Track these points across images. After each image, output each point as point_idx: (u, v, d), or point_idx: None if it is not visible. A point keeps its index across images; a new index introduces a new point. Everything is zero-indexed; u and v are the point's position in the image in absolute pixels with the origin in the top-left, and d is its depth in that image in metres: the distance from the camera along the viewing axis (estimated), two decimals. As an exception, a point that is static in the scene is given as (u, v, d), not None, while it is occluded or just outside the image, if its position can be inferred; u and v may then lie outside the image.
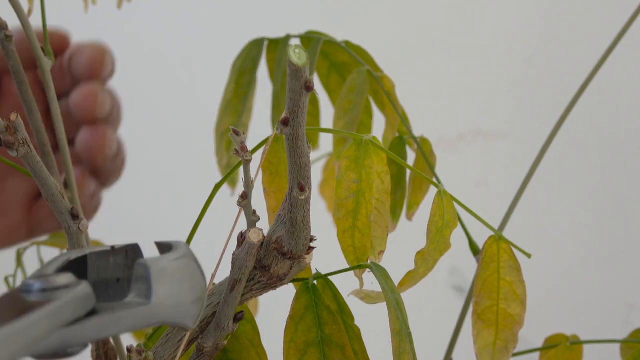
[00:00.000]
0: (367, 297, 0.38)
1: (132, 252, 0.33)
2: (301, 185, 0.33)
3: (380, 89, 0.50)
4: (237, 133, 0.33)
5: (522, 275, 0.44)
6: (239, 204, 0.35)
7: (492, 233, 0.47)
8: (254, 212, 0.35)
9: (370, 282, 0.38)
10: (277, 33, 0.56)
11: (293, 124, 0.30)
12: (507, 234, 1.65)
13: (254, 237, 0.35)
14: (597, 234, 1.47)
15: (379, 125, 0.53)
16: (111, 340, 0.43)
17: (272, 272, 0.37)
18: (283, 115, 0.30)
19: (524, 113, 1.47)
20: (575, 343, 0.51)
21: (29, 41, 0.39)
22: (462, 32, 1.51)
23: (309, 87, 0.29)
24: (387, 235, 0.38)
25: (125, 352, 0.40)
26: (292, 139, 0.31)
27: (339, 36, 0.56)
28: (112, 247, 0.33)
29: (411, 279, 0.38)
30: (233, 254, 0.37)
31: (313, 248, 0.37)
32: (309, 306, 0.36)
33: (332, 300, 0.37)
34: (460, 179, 1.50)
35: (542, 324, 0.55)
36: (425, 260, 0.38)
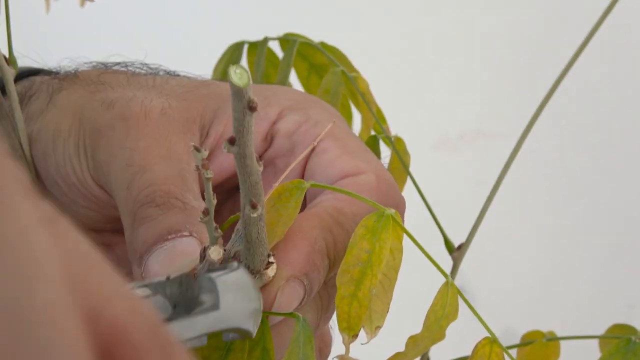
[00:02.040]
0: None
1: (186, 279, 0.35)
2: (252, 203, 0.33)
3: (354, 89, 0.51)
4: (198, 150, 0.33)
5: None
6: (201, 220, 0.35)
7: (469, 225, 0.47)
8: (216, 227, 0.35)
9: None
10: (257, 36, 0.57)
11: (239, 143, 0.31)
12: (507, 234, 1.65)
13: (215, 255, 0.35)
14: (598, 234, 1.48)
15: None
16: None
17: None
18: (230, 135, 0.30)
19: (524, 113, 1.47)
20: (552, 339, 0.51)
21: None
22: (462, 32, 1.51)
23: (252, 107, 0.29)
24: (387, 312, 0.38)
25: None
26: (240, 158, 0.31)
27: (332, 38, 0.57)
28: (168, 277, 0.35)
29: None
30: (195, 269, 0.37)
31: (272, 263, 0.37)
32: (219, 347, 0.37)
33: (260, 336, 0.37)
34: (460, 179, 1.51)
35: (543, 324, 0.55)
36: (417, 346, 0.38)
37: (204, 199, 0.39)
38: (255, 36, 0.57)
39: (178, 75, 0.49)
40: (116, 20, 1.49)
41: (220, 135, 0.44)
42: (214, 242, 0.36)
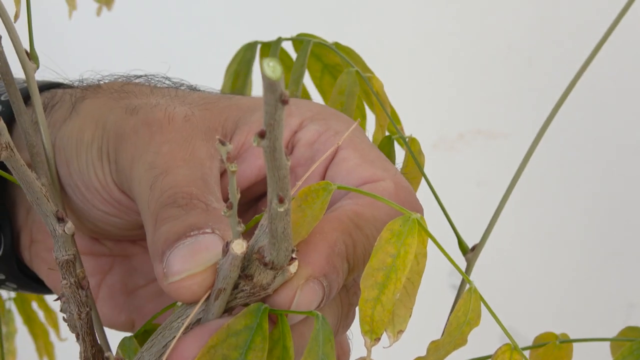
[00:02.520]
0: None
1: None
2: (280, 197, 0.33)
3: (369, 89, 0.50)
4: (223, 143, 0.32)
5: None
6: (225, 213, 0.35)
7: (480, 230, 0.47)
8: (240, 222, 0.35)
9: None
10: (270, 36, 0.57)
11: (270, 136, 0.30)
12: (507, 235, 1.65)
13: (238, 249, 0.35)
14: (598, 234, 1.48)
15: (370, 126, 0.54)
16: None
17: (255, 282, 0.37)
18: (260, 129, 0.30)
19: (524, 113, 1.47)
20: (565, 342, 0.51)
21: (14, 45, 0.39)
22: (462, 32, 1.51)
23: (284, 101, 0.29)
24: (410, 316, 0.38)
25: (113, 355, 0.40)
26: (270, 152, 0.31)
27: (336, 38, 0.57)
28: None
29: None
30: (218, 264, 0.37)
31: (295, 259, 0.37)
32: (249, 327, 0.36)
33: (279, 335, 0.37)
34: (460, 179, 1.51)
35: (544, 324, 0.55)
36: (437, 351, 0.38)
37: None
38: (269, 37, 0.57)
39: (199, 90, 0.49)
40: (130, 29, 1.49)
41: (242, 145, 0.44)
42: (237, 236, 0.35)
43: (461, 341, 0.38)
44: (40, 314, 0.69)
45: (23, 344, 0.71)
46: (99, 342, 0.43)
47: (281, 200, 0.33)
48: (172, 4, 1.53)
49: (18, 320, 0.69)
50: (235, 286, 0.37)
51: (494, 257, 1.51)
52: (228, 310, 0.38)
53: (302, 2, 1.51)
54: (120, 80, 0.49)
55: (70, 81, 0.50)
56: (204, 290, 0.37)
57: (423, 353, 0.52)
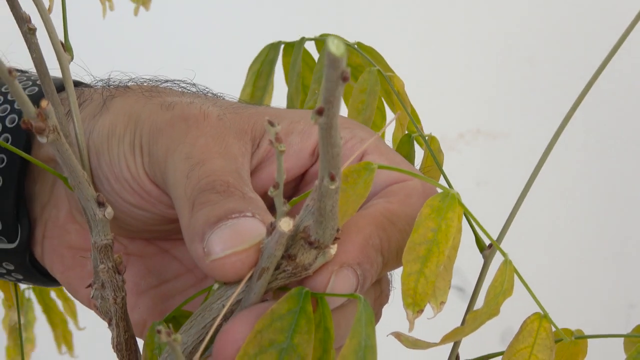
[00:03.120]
0: (406, 341, 0.39)
1: None
2: (332, 174, 0.33)
3: (390, 88, 0.51)
4: (272, 124, 0.33)
5: (553, 356, 0.45)
6: (271, 193, 0.35)
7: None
8: (285, 202, 0.35)
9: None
10: (292, 37, 0.57)
11: (328, 113, 0.30)
12: (508, 235, 1.65)
13: (285, 227, 0.35)
14: (599, 234, 1.48)
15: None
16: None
17: (297, 262, 0.37)
18: (318, 105, 0.30)
19: (524, 113, 1.48)
20: (580, 337, 0.51)
21: (49, 36, 0.39)
22: (463, 32, 1.52)
23: (345, 77, 0.29)
24: (449, 288, 0.39)
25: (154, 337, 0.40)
26: (326, 129, 0.31)
27: (347, 38, 0.57)
28: None
29: (456, 335, 0.39)
30: (262, 243, 0.37)
31: (338, 239, 0.38)
32: (293, 311, 0.37)
33: (320, 318, 0.38)
34: (460, 178, 1.51)
35: None
36: (475, 321, 0.39)
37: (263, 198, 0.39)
38: (292, 37, 0.57)
39: (224, 98, 0.50)
40: (148, 21, 1.48)
41: (267, 153, 0.45)
42: (282, 215, 0.36)
43: (495, 311, 0.39)
44: (59, 303, 0.69)
45: (42, 332, 0.71)
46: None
47: (332, 178, 0.33)
48: (196, 7, 1.54)
49: (37, 309, 0.69)
50: (277, 267, 0.38)
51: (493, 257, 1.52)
52: (266, 293, 0.39)
53: (297, 6, 1.52)
54: (147, 83, 0.50)
55: (95, 80, 0.51)
56: (247, 269, 0.38)
57: (434, 349, 0.53)
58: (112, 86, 0.49)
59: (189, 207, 0.40)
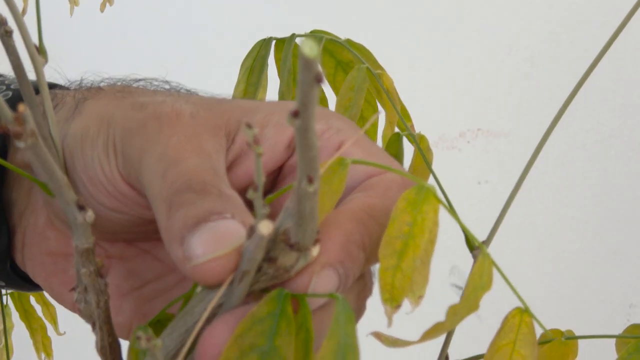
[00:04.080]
0: (385, 340, 0.38)
1: None
2: (310, 177, 0.33)
3: (380, 86, 0.51)
4: (249, 126, 0.32)
5: (536, 352, 0.44)
6: (250, 196, 0.34)
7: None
8: (264, 204, 0.35)
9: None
10: (284, 33, 0.57)
11: (303, 116, 0.30)
12: (507, 234, 1.66)
13: (264, 230, 0.35)
14: (598, 234, 1.48)
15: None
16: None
17: (278, 264, 0.37)
18: (293, 108, 0.30)
19: (524, 112, 1.48)
20: (570, 338, 0.51)
21: (23, 39, 0.39)
22: (463, 32, 1.52)
23: (319, 79, 0.29)
24: (427, 283, 0.39)
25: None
26: (303, 131, 0.31)
27: (343, 35, 0.57)
28: None
29: (437, 331, 0.38)
30: (242, 246, 0.37)
31: (318, 240, 0.37)
32: (273, 314, 0.36)
33: (302, 319, 0.37)
34: (461, 177, 1.51)
35: (544, 323, 0.56)
36: (455, 316, 0.38)
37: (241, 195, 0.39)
38: (283, 33, 0.57)
39: (197, 94, 0.50)
40: (134, 17, 1.49)
41: (245, 144, 0.45)
42: (262, 218, 0.35)
43: (474, 305, 0.38)
44: (38, 309, 0.69)
45: (19, 339, 0.70)
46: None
47: (311, 180, 0.33)
48: (185, 2, 1.54)
49: (15, 315, 0.69)
50: (258, 269, 0.37)
51: (493, 256, 1.51)
52: (248, 295, 0.38)
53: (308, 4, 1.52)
54: (120, 83, 0.49)
55: (69, 82, 0.51)
56: (228, 273, 0.37)
57: (424, 350, 0.53)
58: (84, 88, 0.49)
59: (166, 208, 0.39)
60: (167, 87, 0.49)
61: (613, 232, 1.48)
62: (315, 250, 0.38)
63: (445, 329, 0.38)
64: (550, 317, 1.55)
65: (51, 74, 0.49)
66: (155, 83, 0.49)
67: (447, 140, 1.51)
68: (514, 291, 0.43)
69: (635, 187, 1.47)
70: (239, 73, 0.57)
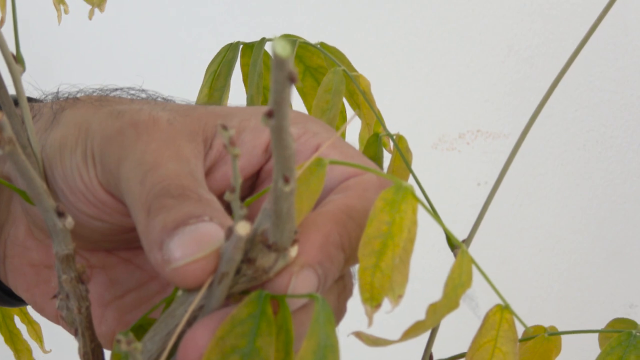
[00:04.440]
0: (367, 339, 0.39)
1: None
2: (286, 177, 0.33)
3: (355, 89, 0.51)
4: (224, 128, 0.33)
5: (517, 348, 0.44)
6: (227, 197, 0.35)
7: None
8: (242, 205, 0.35)
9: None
10: (253, 38, 0.57)
11: (277, 115, 0.30)
12: (508, 234, 1.64)
13: (242, 230, 0.35)
14: (598, 234, 1.48)
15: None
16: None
17: (257, 265, 0.37)
18: (267, 108, 0.30)
19: (524, 114, 1.48)
20: (553, 334, 0.51)
21: (1, 48, 0.39)
22: (463, 33, 1.52)
23: (292, 79, 0.29)
24: (407, 282, 0.39)
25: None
26: (277, 131, 0.31)
27: (337, 37, 0.57)
28: None
29: (417, 329, 0.38)
30: (221, 248, 0.37)
31: (296, 241, 0.38)
32: (253, 315, 0.36)
33: (282, 320, 0.38)
34: (460, 178, 1.51)
35: (544, 323, 0.56)
36: (435, 314, 0.38)
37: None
38: (251, 38, 0.57)
39: (174, 101, 0.50)
40: (108, 37, 1.50)
41: (223, 149, 0.45)
42: (240, 219, 0.35)
43: (454, 304, 0.38)
44: (24, 329, 0.68)
45: (4, 358, 0.70)
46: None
47: (287, 180, 0.33)
48: (147, 9, 1.54)
49: (-1, 338, 0.68)
50: (237, 271, 0.38)
51: (493, 257, 1.52)
52: (228, 297, 0.39)
53: (311, 5, 1.52)
54: (96, 93, 0.50)
55: (44, 94, 0.51)
56: (207, 275, 0.37)
57: (399, 352, 0.53)
58: (61, 99, 0.49)
59: (145, 213, 0.39)
60: (143, 95, 0.50)
61: (613, 232, 1.48)
62: (293, 251, 0.38)
63: (425, 327, 0.38)
64: (550, 317, 1.55)
65: (26, 87, 0.49)
66: (132, 92, 0.50)
67: (447, 142, 1.52)
68: (493, 288, 0.43)
69: (635, 187, 1.47)
70: (204, 77, 0.56)
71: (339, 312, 0.43)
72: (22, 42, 0.43)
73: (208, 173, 0.45)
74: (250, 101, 0.54)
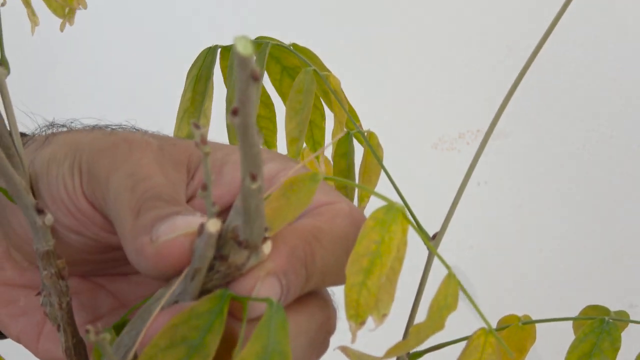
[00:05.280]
0: (352, 355, 0.39)
1: None
2: (252, 174, 0.33)
3: (327, 88, 0.52)
4: (197, 126, 0.33)
5: None
6: (200, 195, 0.36)
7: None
8: (214, 203, 0.36)
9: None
10: (230, 40, 0.58)
11: (242, 113, 0.31)
12: (508, 235, 1.64)
13: (212, 227, 0.36)
14: (598, 234, 1.48)
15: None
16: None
17: (230, 262, 0.38)
18: (233, 106, 0.31)
19: (524, 114, 1.48)
20: (527, 323, 0.52)
21: None
22: (463, 32, 1.52)
23: (255, 77, 0.29)
24: (393, 301, 0.39)
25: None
26: (243, 128, 0.31)
27: (337, 38, 0.58)
28: None
29: (400, 349, 0.38)
30: (194, 244, 0.38)
31: (268, 238, 0.38)
32: (212, 311, 0.37)
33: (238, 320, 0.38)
34: (461, 178, 1.51)
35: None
36: (418, 335, 0.38)
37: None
38: (229, 40, 0.58)
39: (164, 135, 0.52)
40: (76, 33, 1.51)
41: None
42: (211, 216, 0.36)
43: (440, 325, 0.39)
44: None
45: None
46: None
47: (253, 178, 0.33)
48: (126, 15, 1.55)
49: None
50: (211, 267, 0.38)
51: (493, 257, 1.52)
52: (205, 293, 0.39)
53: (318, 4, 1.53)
54: (88, 128, 0.51)
55: (39, 127, 0.53)
56: (185, 256, 0.39)
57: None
58: (55, 127, 0.51)
59: (134, 215, 0.41)
60: (135, 130, 0.51)
61: (613, 232, 1.48)
62: (266, 248, 0.39)
63: (408, 347, 0.38)
64: (550, 316, 1.54)
65: (21, 119, 0.51)
66: (124, 125, 0.51)
67: (447, 142, 1.52)
68: (479, 313, 0.43)
69: (635, 187, 1.47)
70: (185, 82, 0.57)
71: (320, 345, 0.44)
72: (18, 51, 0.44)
73: (188, 202, 0.46)
74: (229, 103, 0.55)
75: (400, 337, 0.44)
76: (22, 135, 0.52)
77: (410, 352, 0.55)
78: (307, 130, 0.54)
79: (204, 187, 0.35)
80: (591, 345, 0.52)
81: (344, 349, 0.39)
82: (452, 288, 0.40)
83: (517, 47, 1.52)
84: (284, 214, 0.39)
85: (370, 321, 0.39)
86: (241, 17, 1.52)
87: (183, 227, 0.39)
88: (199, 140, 0.34)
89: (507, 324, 0.53)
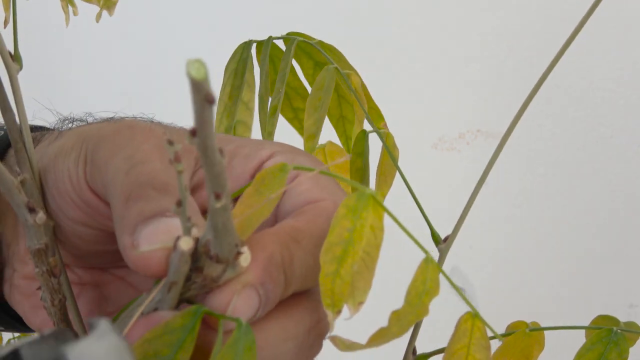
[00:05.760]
0: (341, 344, 0.39)
1: (62, 336, 0.34)
2: (217, 193, 0.33)
3: (348, 86, 0.52)
4: (170, 143, 0.33)
5: (490, 356, 0.45)
6: (174, 211, 0.36)
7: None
8: (189, 218, 0.36)
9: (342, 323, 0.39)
10: (264, 35, 0.58)
11: (200, 134, 0.31)
12: (507, 235, 1.64)
13: (185, 245, 0.36)
14: (598, 234, 1.48)
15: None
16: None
17: (205, 274, 0.38)
18: (191, 127, 0.31)
19: (524, 113, 1.48)
20: (535, 330, 0.52)
21: None
22: (463, 32, 1.52)
23: (209, 100, 0.29)
24: (370, 288, 0.38)
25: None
26: (202, 149, 0.31)
27: (337, 39, 0.58)
28: (42, 335, 0.34)
29: (382, 336, 0.38)
30: (170, 258, 0.38)
31: (241, 253, 0.38)
32: (185, 327, 0.37)
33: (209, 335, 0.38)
34: (460, 178, 1.52)
35: (545, 323, 0.57)
36: (400, 321, 0.38)
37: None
38: (265, 36, 0.58)
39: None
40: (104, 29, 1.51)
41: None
42: (186, 232, 0.36)
43: (423, 311, 0.38)
44: None
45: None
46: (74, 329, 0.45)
47: (218, 197, 0.33)
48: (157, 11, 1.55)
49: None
50: (188, 278, 0.38)
51: (493, 257, 1.52)
52: (185, 301, 0.39)
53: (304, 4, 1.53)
54: (100, 120, 0.52)
55: (58, 120, 0.53)
56: (163, 269, 0.38)
57: (430, 346, 0.53)
58: (71, 121, 0.51)
59: (124, 200, 0.40)
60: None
61: (613, 232, 1.48)
62: (244, 261, 0.38)
63: (390, 334, 0.38)
64: (549, 317, 1.55)
65: (41, 114, 0.51)
66: (141, 117, 0.52)
67: (447, 142, 1.52)
68: (463, 298, 0.43)
69: (635, 187, 1.47)
70: (224, 76, 0.57)
71: (311, 348, 0.43)
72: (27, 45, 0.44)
73: (196, 190, 0.46)
74: (261, 99, 0.55)
75: (446, 330, 0.44)
76: (43, 129, 0.52)
77: (417, 353, 0.55)
78: (340, 126, 0.54)
79: (179, 204, 0.35)
80: (598, 355, 0.52)
81: (333, 339, 0.39)
82: (431, 272, 0.39)
83: (517, 47, 1.52)
84: (259, 211, 0.38)
85: (345, 310, 0.38)
86: (275, 13, 1.52)
87: (163, 235, 0.38)
88: (172, 158, 0.33)
89: (514, 329, 0.53)
